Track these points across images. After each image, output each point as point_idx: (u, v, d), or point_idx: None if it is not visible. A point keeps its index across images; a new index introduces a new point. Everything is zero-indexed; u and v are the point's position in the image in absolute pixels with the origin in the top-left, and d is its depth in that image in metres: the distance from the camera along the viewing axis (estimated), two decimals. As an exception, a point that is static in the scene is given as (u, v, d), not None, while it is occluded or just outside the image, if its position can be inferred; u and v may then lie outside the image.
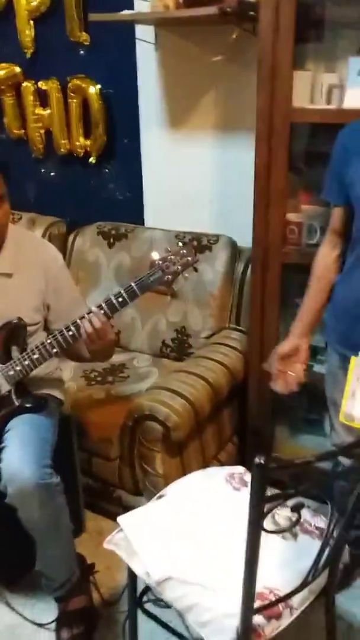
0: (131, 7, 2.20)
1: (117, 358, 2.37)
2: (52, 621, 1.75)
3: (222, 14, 1.72)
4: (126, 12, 1.99)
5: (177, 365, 2.22)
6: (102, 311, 1.54)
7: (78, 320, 1.55)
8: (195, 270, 1.65)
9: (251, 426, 2.13)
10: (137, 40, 2.28)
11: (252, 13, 1.81)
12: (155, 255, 1.57)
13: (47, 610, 1.80)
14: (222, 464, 2.14)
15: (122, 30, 2.28)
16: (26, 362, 1.60)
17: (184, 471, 1.95)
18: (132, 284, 1.55)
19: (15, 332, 1.63)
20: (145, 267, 2.37)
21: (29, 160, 2.76)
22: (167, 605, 1.29)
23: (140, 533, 1.37)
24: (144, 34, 2.25)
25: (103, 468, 2.01)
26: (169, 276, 1.55)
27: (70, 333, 1.57)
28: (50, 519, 1.58)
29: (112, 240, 2.51)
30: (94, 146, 2.55)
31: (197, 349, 2.26)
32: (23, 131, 2.74)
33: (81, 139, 2.58)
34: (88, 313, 1.55)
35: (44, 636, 1.73)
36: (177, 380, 1.93)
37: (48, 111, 2.61)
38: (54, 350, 1.59)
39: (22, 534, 1.80)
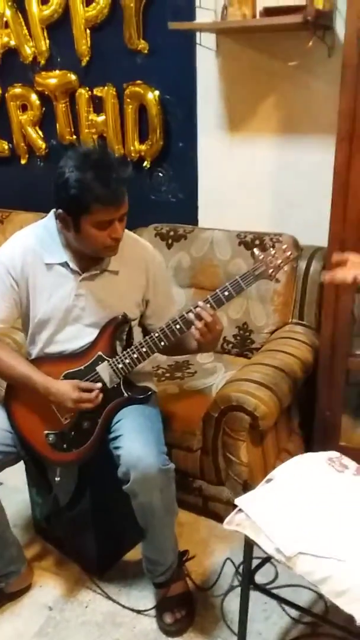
0: (192, 14, 2.29)
1: (185, 355, 2.43)
2: (152, 607, 1.80)
3: (303, 22, 1.81)
4: (203, 21, 2.07)
5: (245, 360, 2.29)
6: (209, 304, 1.61)
7: (185, 314, 1.62)
8: (295, 264, 1.72)
9: (320, 417, 2.20)
10: (197, 47, 2.36)
11: (322, 22, 1.92)
12: (258, 251, 1.64)
13: (142, 598, 1.86)
14: (290, 454, 2.21)
15: (182, 38, 2.37)
16: (135, 355, 1.66)
17: (265, 460, 2.03)
18: (238, 278, 1.62)
19: (121, 328, 1.70)
20: (206, 265, 2.49)
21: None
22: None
23: (262, 513, 1.43)
24: (205, 40, 2.33)
25: (184, 459, 2.07)
26: (272, 270, 1.63)
27: (178, 326, 1.63)
28: (167, 504, 1.65)
29: (170, 241, 2.58)
30: (149, 151, 2.63)
31: (261, 344, 2.34)
32: (75, 137, 2.81)
33: (136, 144, 2.65)
34: (195, 307, 1.61)
35: (145, 622, 1.78)
36: (257, 372, 2.00)
37: (102, 117, 2.68)
38: (162, 343, 1.65)
39: (111, 524, 1.86)
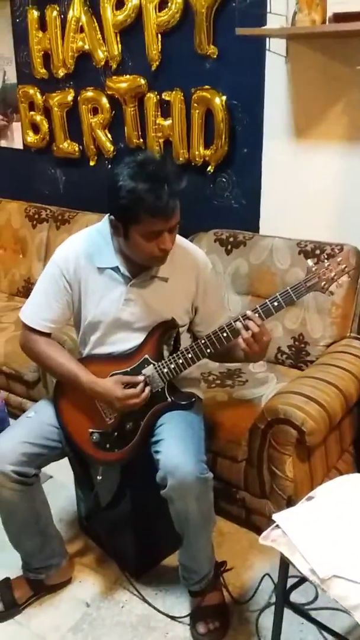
0: (263, 19, 2.26)
1: (233, 363, 2.41)
2: (187, 615, 1.79)
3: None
4: (273, 26, 2.04)
5: (298, 372, 2.25)
6: (257, 314, 1.59)
7: (233, 323, 1.61)
8: (349, 277, 1.67)
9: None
10: (267, 53, 2.34)
11: None
12: (311, 263, 1.60)
13: (177, 604, 1.86)
14: (340, 473, 2.15)
15: (251, 43, 2.35)
16: (180, 361, 1.66)
17: (311, 477, 1.97)
18: (289, 289, 1.59)
19: (169, 332, 1.70)
20: (264, 273, 2.45)
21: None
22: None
23: (299, 531, 1.40)
24: (275, 46, 2.30)
25: (228, 469, 2.05)
26: (325, 283, 1.59)
27: (225, 334, 1.62)
28: (204, 512, 1.64)
29: (229, 247, 2.56)
30: (213, 156, 2.62)
31: (316, 357, 2.28)
32: (142, 141, 2.84)
33: (201, 149, 2.65)
34: (243, 316, 1.59)
35: (178, 629, 1.78)
36: (308, 385, 1.95)
37: (169, 121, 2.70)
38: (208, 350, 1.64)
39: (151, 526, 1.87)
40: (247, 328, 1.58)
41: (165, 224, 1.52)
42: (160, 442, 1.63)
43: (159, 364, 1.68)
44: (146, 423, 1.70)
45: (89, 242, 1.69)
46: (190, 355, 1.65)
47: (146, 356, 1.69)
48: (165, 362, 1.67)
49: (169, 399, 1.70)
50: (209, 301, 1.80)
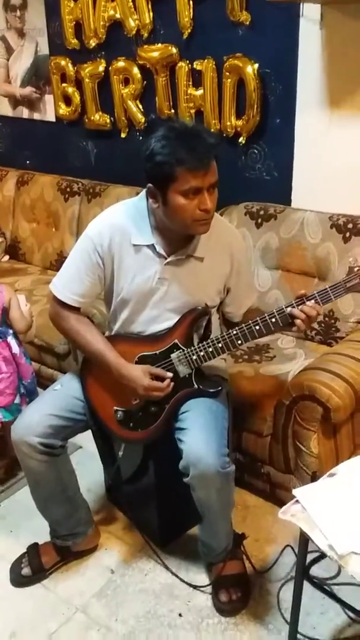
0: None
1: (262, 338, 2.39)
2: (209, 584, 1.82)
3: None
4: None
5: (327, 348, 2.22)
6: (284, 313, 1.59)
7: (265, 318, 1.60)
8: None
9: None
10: (300, 20, 2.26)
11: None
12: (354, 262, 1.55)
13: (199, 574, 1.89)
14: (367, 451, 2.13)
15: (285, 9, 2.27)
16: (210, 349, 1.64)
17: (337, 454, 1.96)
18: (328, 288, 1.55)
19: (201, 319, 1.69)
20: (295, 247, 2.41)
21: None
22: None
23: (318, 507, 1.39)
24: (309, 12, 2.22)
25: (254, 444, 2.05)
26: None
27: (257, 328, 1.60)
28: (223, 502, 1.67)
29: (259, 220, 2.52)
30: (245, 126, 2.56)
31: (346, 334, 2.25)
32: (173, 111, 2.80)
33: (233, 119, 2.60)
34: (271, 315, 1.60)
35: (200, 598, 1.81)
36: (335, 362, 1.93)
37: (200, 91, 2.65)
38: (239, 342, 1.62)
39: (175, 499, 1.89)
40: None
41: (203, 179, 1.47)
42: (185, 432, 1.63)
43: (188, 350, 1.66)
44: (170, 407, 1.70)
45: (125, 217, 1.65)
46: (220, 345, 1.63)
47: (176, 341, 1.67)
48: (195, 349, 1.66)
49: (196, 386, 1.69)
50: (242, 282, 1.78)
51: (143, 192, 1.64)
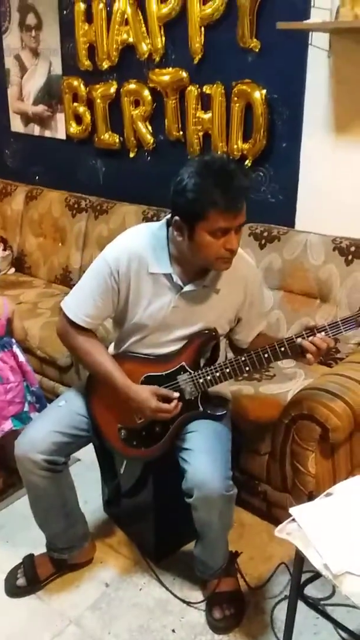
0: (307, 13, 2.25)
1: (262, 357, 2.42)
2: (203, 600, 1.83)
3: None
4: (316, 20, 2.03)
5: (327, 369, 2.24)
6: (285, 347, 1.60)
7: (272, 348, 1.61)
8: None
9: None
10: (309, 47, 2.32)
11: None
12: None
13: (194, 590, 1.89)
14: (365, 472, 2.14)
15: (294, 37, 2.33)
16: (217, 374, 1.66)
17: (334, 474, 1.97)
18: (339, 321, 1.56)
19: (209, 343, 1.71)
20: (297, 269, 2.44)
21: (185, 161, 2.87)
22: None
23: (314, 526, 1.40)
24: (318, 41, 2.28)
25: (251, 462, 2.07)
26: None
27: (266, 355, 1.61)
28: (224, 523, 1.69)
29: (263, 241, 2.56)
30: (251, 150, 2.62)
31: (346, 355, 2.27)
32: (181, 133, 2.86)
33: (239, 142, 2.65)
34: (281, 344, 1.61)
35: (194, 614, 1.81)
36: (334, 382, 1.95)
37: (209, 115, 2.71)
38: (247, 368, 1.63)
39: (172, 515, 1.90)
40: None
41: (232, 221, 1.48)
42: (189, 452, 1.64)
43: (196, 373, 1.67)
44: (175, 428, 1.71)
45: (144, 245, 1.63)
46: (228, 370, 1.65)
47: (183, 363, 1.69)
48: (202, 373, 1.67)
49: (201, 409, 1.71)
50: (253, 312, 1.79)
51: (164, 221, 1.64)
